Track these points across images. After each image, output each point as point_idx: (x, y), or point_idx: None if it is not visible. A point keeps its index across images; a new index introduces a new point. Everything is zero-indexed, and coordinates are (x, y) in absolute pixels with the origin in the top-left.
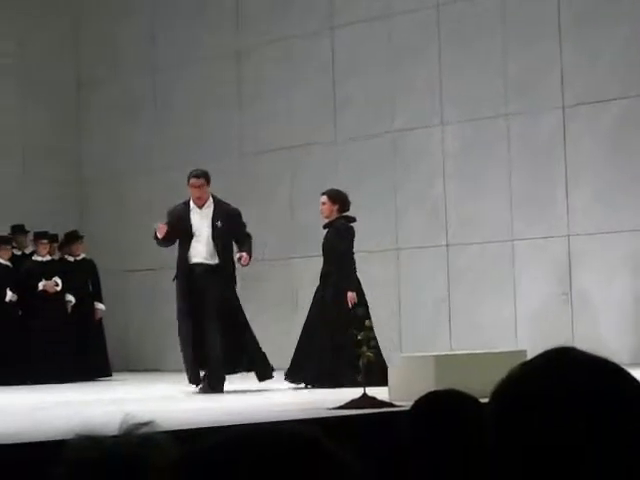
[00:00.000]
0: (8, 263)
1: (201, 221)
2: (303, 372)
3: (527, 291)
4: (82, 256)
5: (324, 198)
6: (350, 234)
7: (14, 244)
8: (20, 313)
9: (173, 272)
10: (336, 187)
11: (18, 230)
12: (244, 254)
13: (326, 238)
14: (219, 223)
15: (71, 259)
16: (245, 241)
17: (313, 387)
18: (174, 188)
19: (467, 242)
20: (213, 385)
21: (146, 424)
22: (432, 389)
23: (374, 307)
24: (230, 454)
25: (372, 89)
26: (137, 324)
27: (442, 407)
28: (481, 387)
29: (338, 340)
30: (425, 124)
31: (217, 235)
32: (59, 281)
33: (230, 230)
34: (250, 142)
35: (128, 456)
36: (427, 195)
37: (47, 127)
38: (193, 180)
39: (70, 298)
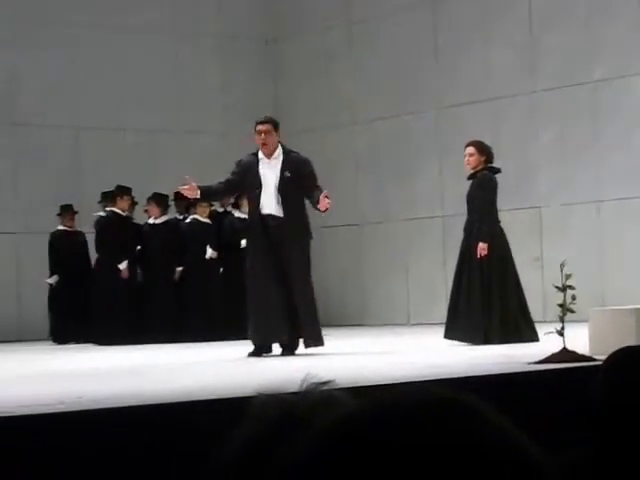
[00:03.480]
0: (207, 220)
1: (269, 172)
2: (457, 329)
3: None
4: None
5: (471, 149)
6: (492, 185)
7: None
8: (222, 270)
9: (374, 227)
10: (535, 139)
11: None
12: (323, 197)
13: (470, 189)
14: (287, 173)
15: None
16: (314, 194)
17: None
18: (375, 140)
19: None
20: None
21: (326, 382)
22: (632, 343)
23: (575, 260)
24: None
25: (571, 40)
26: (337, 280)
27: (635, 362)
28: None
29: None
30: (624, 74)
31: (283, 186)
32: None
33: (298, 180)
34: (448, 94)
35: (308, 414)
36: (627, 146)
37: (245, 84)
38: (259, 126)
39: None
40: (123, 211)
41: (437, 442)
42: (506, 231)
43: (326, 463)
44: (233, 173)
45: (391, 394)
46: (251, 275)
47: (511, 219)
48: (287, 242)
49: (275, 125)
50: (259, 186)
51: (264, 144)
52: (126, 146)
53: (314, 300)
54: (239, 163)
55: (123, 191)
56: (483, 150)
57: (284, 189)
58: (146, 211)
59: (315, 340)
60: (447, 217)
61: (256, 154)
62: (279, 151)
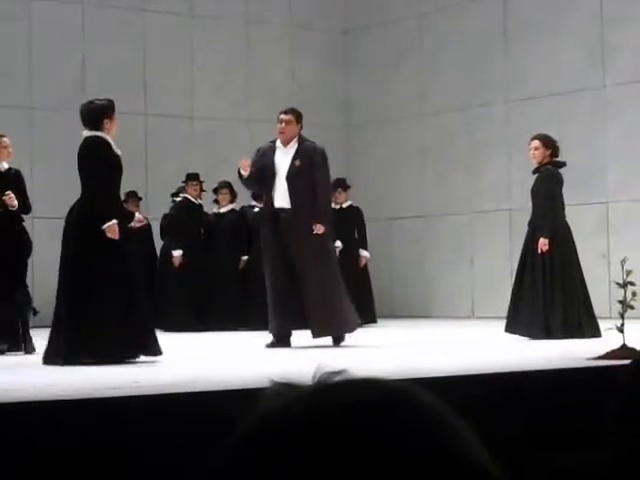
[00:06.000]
0: None
1: (283, 161)
2: (519, 323)
3: None
4: (348, 203)
5: (536, 143)
6: (556, 179)
7: None
8: None
9: (439, 219)
10: (603, 134)
11: None
12: (317, 225)
13: (534, 183)
14: (297, 162)
15: (337, 207)
16: (321, 190)
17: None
18: (443, 132)
19: None
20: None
21: (339, 373)
22: None
23: None
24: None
25: None
26: (402, 271)
27: None
28: None
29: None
30: None
31: (292, 175)
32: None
33: (309, 169)
34: (517, 88)
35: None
36: None
37: (315, 74)
38: (281, 115)
39: (338, 244)
40: (194, 197)
41: (369, 440)
42: (573, 226)
43: (246, 465)
44: (253, 164)
45: (335, 391)
46: (265, 272)
47: (578, 214)
48: (296, 232)
49: (297, 117)
50: (273, 175)
51: (282, 132)
52: (194, 134)
53: (331, 288)
54: (258, 152)
55: (192, 178)
56: (548, 144)
57: (293, 178)
58: (216, 200)
59: (325, 329)
60: (514, 210)
61: (274, 142)
62: (295, 140)
